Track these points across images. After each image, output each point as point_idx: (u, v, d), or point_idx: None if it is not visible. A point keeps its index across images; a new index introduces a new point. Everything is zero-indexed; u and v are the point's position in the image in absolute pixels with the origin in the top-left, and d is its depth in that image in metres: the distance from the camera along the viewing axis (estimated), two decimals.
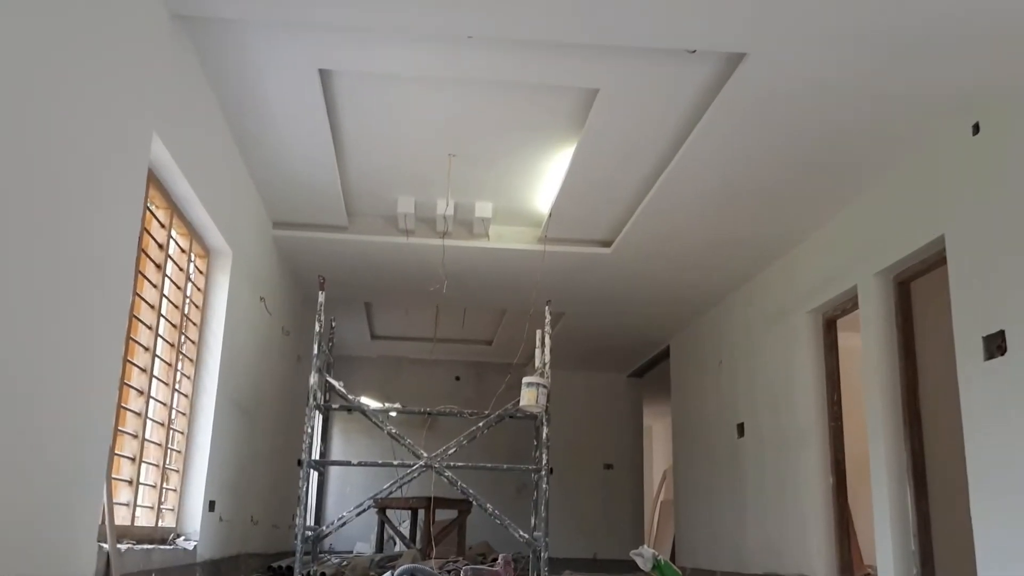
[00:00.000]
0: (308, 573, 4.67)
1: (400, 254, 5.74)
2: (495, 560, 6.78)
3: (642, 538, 9.77)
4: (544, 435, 4.74)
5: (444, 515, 7.07)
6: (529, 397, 4.63)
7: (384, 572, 4.34)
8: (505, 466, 4.99)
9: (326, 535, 4.91)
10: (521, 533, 4.76)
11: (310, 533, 4.71)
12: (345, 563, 6.02)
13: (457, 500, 5.57)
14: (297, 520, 4.52)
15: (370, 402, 5.67)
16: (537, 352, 5.17)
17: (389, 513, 7.13)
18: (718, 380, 6.76)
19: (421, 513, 6.60)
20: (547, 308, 4.99)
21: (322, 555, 5.63)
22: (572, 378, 9.53)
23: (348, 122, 4.26)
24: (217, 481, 4.36)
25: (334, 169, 4.66)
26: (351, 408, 5.02)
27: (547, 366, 4.84)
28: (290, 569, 4.91)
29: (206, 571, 4.15)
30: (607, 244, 5.66)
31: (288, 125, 4.17)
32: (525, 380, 4.70)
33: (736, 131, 3.97)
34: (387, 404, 5.27)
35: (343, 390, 4.87)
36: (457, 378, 9.90)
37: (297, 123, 4.15)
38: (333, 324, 5.58)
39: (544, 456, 4.72)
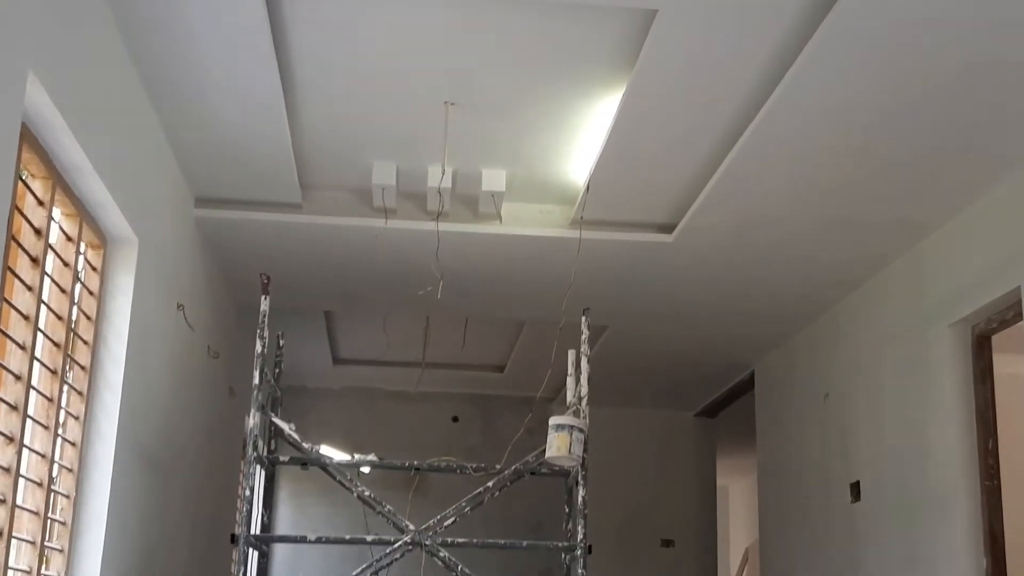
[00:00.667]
0: None
1: (375, 244, 5.74)
2: None
3: None
4: (580, 499, 4.71)
5: None
6: (559, 445, 4.59)
7: None
8: (524, 543, 4.95)
9: None
10: None
11: None
12: None
13: None
14: None
15: (333, 453, 5.64)
16: (569, 382, 5.13)
17: None
18: (823, 421, 6.72)
19: None
20: (584, 319, 4.96)
21: None
22: (618, 418, 9.50)
23: (303, 56, 4.25)
24: (118, 565, 4.33)
25: (283, 124, 4.66)
26: (306, 462, 4.98)
27: (584, 401, 4.82)
28: None
29: None
30: (668, 229, 5.65)
31: (218, 62, 4.16)
32: (553, 421, 4.66)
33: (851, 67, 3.93)
34: (357, 456, 5.24)
35: (295, 435, 4.85)
36: (455, 419, 9.86)
37: (231, 58, 4.13)
38: (281, 343, 5.58)
39: (580, 529, 4.68)
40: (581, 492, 4.70)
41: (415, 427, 9.63)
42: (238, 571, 4.50)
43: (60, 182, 3.80)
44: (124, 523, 4.40)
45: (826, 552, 6.62)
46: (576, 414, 4.84)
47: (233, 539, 4.58)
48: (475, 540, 4.95)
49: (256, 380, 4.68)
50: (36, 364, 3.70)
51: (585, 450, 4.67)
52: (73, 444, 4.11)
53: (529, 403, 9.16)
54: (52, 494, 3.91)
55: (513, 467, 4.92)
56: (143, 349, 4.58)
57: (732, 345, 7.62)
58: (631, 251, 5.79)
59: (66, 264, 3.98)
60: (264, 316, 4.77)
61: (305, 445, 4.89)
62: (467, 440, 9.63)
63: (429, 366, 8.64)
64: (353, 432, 9.44)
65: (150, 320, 4.69)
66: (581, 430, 4.65)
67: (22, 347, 3.55)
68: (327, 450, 6.54)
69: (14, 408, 3.50)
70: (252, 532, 4.69)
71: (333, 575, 7.46)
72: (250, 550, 4.66)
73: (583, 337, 4.95)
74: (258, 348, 4.72)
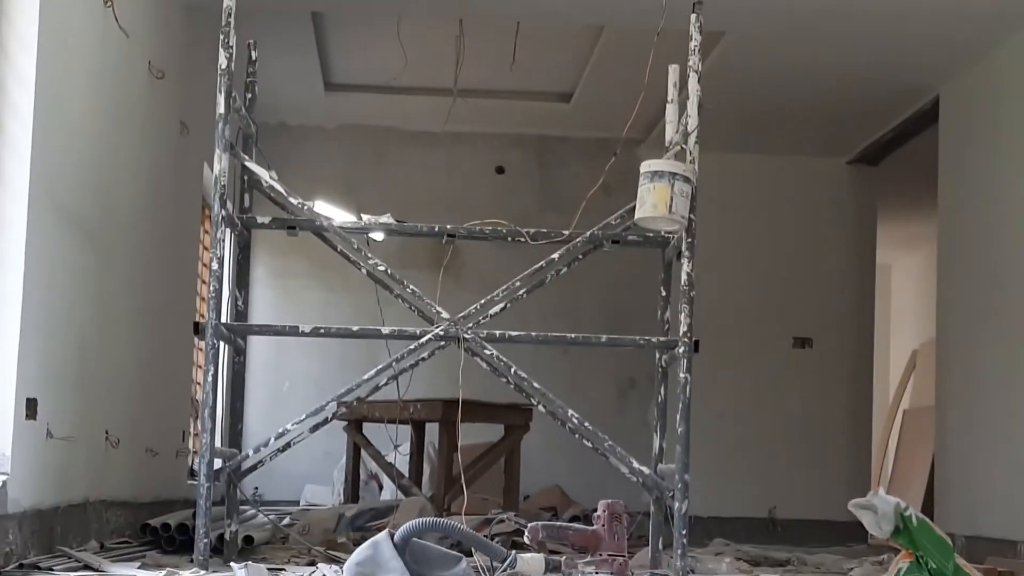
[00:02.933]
0: (220, 538, 4.84)
1: None
2: (576, 518, 6.99)
3: (868, 479, 9.94)
4: (684, 277, 4.77)
5: (476, 436, 7.23)
6: (655, 201, 4.59)
7: (366, 536, 4.46)
8: (604, 338, 5.01)
9: (249, 469, 5.05)
10: (636, 466, 4.88)
11: (220, 465, 4.86)
12: (291, 522, 6.23)
13: (503, 406, 5.66)
14: (200, 440, 4.64)
15: (332, 212, 5.69)
16: (669, 112, 5.13)
17: (369, 430, 7.30)
18: None
19: (433, 430, 6.64)
20: (694, 18, 4.90)
21: (244, 507, 5.84)
22: (738, 166, 9.53)
23: None
24: (39, 364, 4.47)
25: None
26: (295, 225, 5.07)
27: (692, 140, 4.79)
28: (184, 531, 5.11)
29: (27, 529, 4.34)
30: None
31: None
32: (647, 167, 4.66)
33: None
34: (365, 217, 5.30)
35: (278, 186, 4.89)
36: (501, 169, 9.92)
37: None
38: (253, 55, 5.55)
39: (683, 318, 4.75)
40: (686, 268, 4.76)
41: (444, 181, 9.72)
42: (207, 371, 4.63)
43: None
44: (46, 306, 4.52)
45: None
46: (680, 158, 4.84)
47: (197, 329, 4.69)
48: (534, 334, 5.02)
49: (221, 108, 4.70)
50: None
51: (692, 209, 4.70)
52: None
53: (607, 146, 9.16)
54: None
55: (588, 233, 4.97)
56: (60, 65, 4.58)
57: (908, 59, 7.55)
58: None
59: None
60: (230, 12, 4.74)
61: (293, 201, 4.93)
62: (518, 199, 9.69)
63: (463, 94, 8.61)
64: (355, 188, 9.55)
65: (67, 20, 4.66)
66: (687, 179, 4.64)
67: None
68: (323, 208, 6.61)
69: None
70: (222, 321, 4.76)
71: (334, 383, 7.64)
72: (221, 344, 4.80)
73: (692, 45, 4.88)
74: (222, 61, 4.72)
